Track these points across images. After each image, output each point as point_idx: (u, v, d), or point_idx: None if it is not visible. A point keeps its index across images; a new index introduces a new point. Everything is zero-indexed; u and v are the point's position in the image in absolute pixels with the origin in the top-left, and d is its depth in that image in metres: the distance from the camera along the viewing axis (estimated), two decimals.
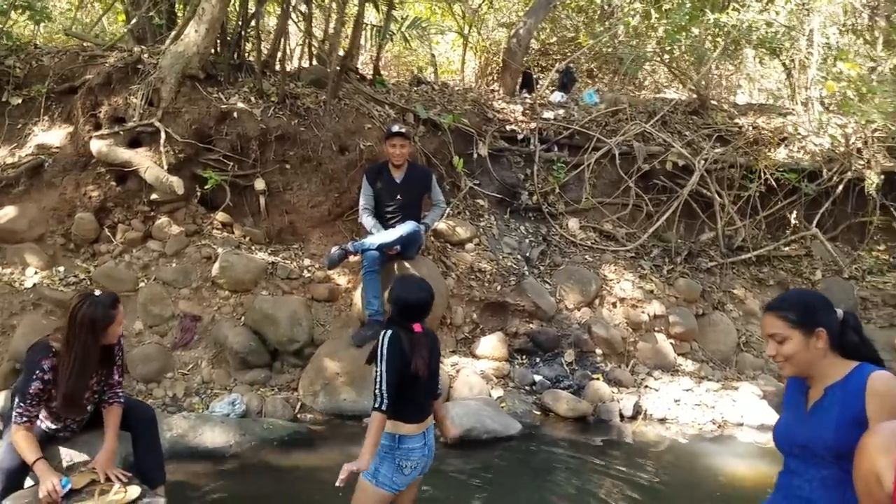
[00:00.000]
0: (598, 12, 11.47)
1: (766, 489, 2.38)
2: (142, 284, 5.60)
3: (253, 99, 6.50)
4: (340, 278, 6.03)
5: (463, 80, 10.56)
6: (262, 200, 6.29)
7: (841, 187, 7.76)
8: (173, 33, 6.63)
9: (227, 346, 5.32)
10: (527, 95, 8.93)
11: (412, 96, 7.61)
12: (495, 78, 10.51)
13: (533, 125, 7.95)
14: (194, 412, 4.87)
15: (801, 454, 2.19)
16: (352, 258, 5.70)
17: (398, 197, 5.75)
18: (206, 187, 6.07)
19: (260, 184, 6.24)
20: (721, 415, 5.61)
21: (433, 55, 10.92)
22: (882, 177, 7.67)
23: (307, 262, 6.08)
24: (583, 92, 9.22)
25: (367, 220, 5.75)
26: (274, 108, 6.44)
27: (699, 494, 4.50)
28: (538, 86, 9.24)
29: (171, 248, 5.85)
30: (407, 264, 5.87)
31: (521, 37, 9.24)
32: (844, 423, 2.04)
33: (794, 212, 7.82)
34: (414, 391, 2.88)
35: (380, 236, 5.54)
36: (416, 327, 2.88)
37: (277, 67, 7.04)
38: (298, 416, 5.11)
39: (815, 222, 7.76)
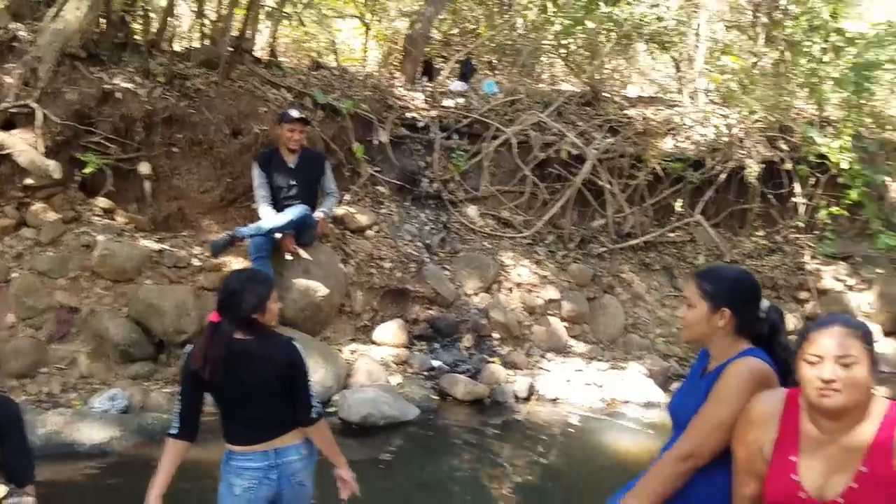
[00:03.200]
0: (498, 5, 11.61)
1: (651, 462, 2.45)
2: (14, 274, 5.24)
3: (138, 79, 6.21)
4: (233, 265, 5.86)
5: (365, 69, 10.46)
6: (147, 185, 6.01)
7: (723, 176, 8.18)
8: (53, 10, 6.23)
9: (108, 338, 5.06)
10: (427, 84, 8.94)
11: (310, 80, 7.47)
12: (398, 67, 10.48)
13: (433, 113, 7.97)
14: (71, 409, 4.63)
15: (679, 423, 2.25)
16: (246, 242, 5.56)
17: (292, 182, 5.68)
18: (84, 171, 5.74)
19: (145, 168, 5.97)
20: (609, 393, 5.85)
21: (334, 41, 10.76)
22: (762, 166, 8.16)
23: (197, 249, 5.86)
24: (483, 82, 9.31)
25: (263, 208, 5.64)
26: (161, 89, 6.17)
27: (588, 469, 4.69)
28: (438, 75, 9.27)
29: (46, 235, 5.49)
30: (303, 252, 5.79)
31: (422, 24, 9.24)
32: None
33: (680, 199, 8.19)
34: (232, 408, 2.54)
35: (269, 220, 5.45)
36: (213, 316, 2.50)
37: (166, 47, 6.76)
38: None
39: (698, 209, 8.15)
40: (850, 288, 8.13)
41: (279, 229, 5.48)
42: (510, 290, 6.83)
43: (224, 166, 6.21)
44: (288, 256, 5.69)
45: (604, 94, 9.14)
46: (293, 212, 5.51)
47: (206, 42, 7.49)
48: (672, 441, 2.25)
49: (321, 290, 5.80)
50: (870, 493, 1.74)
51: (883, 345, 7.59)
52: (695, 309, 2.18)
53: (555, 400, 5.80)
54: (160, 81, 6.22)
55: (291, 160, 5.73)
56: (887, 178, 8.87)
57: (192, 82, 6.37)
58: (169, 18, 6.97)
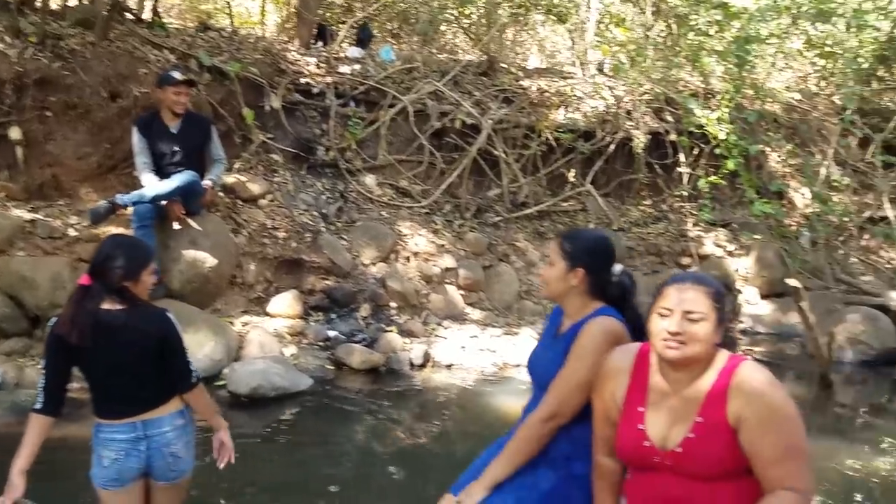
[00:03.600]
0: None
1: (517, 422, 2.51)
2: None
3: (8, 39, 5.77)
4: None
5: (264, 33, 10.12)
6: (18, 152, 5.63)
7: (612, 146, 8.46)
8: None
9: None
10: (322, 49, 8.75)
11: (196, 42, 7.14)
12: (293, 27, 10.18)
13: (329, 79, 7.82)
14: None
15: (539, 382, 2.34)
16: (128, 211, 5.33)
17: (175, 148, 5.46)
18: None
19: (16, 133, 5.58)
20: (502, 358, 6.01)
21: (229, 3, 10.33)
22: (649, 137, 8.48)
23: (74, 219, 5.56)
24: (380, 49, 9.21)
25: (145, 176, 5.40)
26: (33, 49, 5.77)
27: (479, 429, 4.80)
28: (333, 40, 9.08)
29: None
30: (191, 221, 5.61)
31: None
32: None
33: (572, 169, 8.42)
34: (100, 381, 2.46)
35: (153, 187, 5.23)
36: (83, 279, 2.42)
37: (38, 5, 6.30)
38: None
39: (589, 179, 8.42)
40: (730, 253, 8.63)
41: (164, 196, 5.27)
42: (407, 259, 6.86)
43: (102, 131, 5.89)
44: (176, 225, 5.50)
45: (501, 64, 9.23)
46: (179, 178, 5.30)
47: (83, 0, 7.04)
48: (533, 400, 2.35)
49: (209, 260, 5.64)
50: (705, 442, 1.83)
51: (760, 307, 8.14)
52: (554, 267, 2.28)
53: (450, 366, 5.90)
54: (32, 41, 5.81)
55: (174, 125, 5.49)
56: (767, 149, 9.43)
57: (66, 42, 5.97)
58: None
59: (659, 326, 1.89)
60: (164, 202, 5.33)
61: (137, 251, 2.53)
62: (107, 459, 2.43)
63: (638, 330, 2.17)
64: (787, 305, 7.59)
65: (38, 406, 2.41)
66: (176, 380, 2.50)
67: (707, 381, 1.88)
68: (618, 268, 2.31)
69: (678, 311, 1.86)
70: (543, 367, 2.30)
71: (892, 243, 8.81)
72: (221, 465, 2.65)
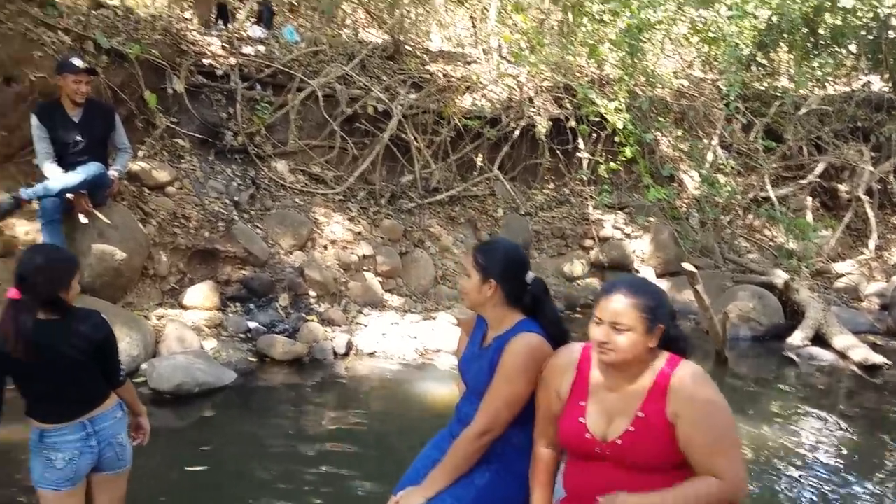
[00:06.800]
0: None
1: (449, 422, 2.64)
2: None
3: None
4: (18, 228, 5.27)
5: (155, 6, 9.59)
6: None
7: (517, 132, 8.70)
8: None
9: None
10: (223, 28, 8.45)
11: (91, 22, 6.72)
12: (189, 5, 9.73)
13: (233, 61, 7.57)
14: None
15: (471, 387, 2.47)
16: (34, 205, 5.04)
17: (78, 138, 5.20)
18: None
19: None
20: (423, 344, 6.15)
21: None
22: (550, 123, 8.78)
23: None
24: (283, 28, 8.99)
25: (48, 166, 5.10)
26: None
27: (403, 416, 4.93)
28: (235, 18, 8.78)
29: None
30: (98, 213, 5.37)
31: None
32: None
33: (480, 155, 8.61)
34: (43, 389, 2.49)
35: (59, 180, 4.96)
36: (12, 293, 2.42)
37: None
38: None
39: (496, 164, 8.65)
40: (627, 235, 9.12)
41: (71, 189, 5.02)
42: (325, 247, 6.84)
43: None
44: (83, 219, 5.26)
45: (406, 47, 9.24)
46: (86, 170, 5.06)
47: None
48: (465, 401, 2.50)
49: (118, 253, 5.45)
50: (645, 436, 2.03)
51: None
52: (470, 279, 2.39)
53: (372, 354, 5.98)
54: None
55: (76, 113, 5.21)
56: (658, 134, 9.99)
57: None
58: None
59: (592, 333, 2.08)
60: (69, 195, 5.08)
61: (62, 260, 2.59)
62: (61, 461, 2.50)
63: (556, 337, 2.33)
64: (681, 284, 8.03)
65: None
66: (111, 376, 2.65)
67: (647, 379, 2.06)
68: (530, 276, 2.42)
69: (606, 322, 2.04)
70: (473, 376, 2.45)
71: (775, 223, 9.62)
72: (135, 444, 2.83)
